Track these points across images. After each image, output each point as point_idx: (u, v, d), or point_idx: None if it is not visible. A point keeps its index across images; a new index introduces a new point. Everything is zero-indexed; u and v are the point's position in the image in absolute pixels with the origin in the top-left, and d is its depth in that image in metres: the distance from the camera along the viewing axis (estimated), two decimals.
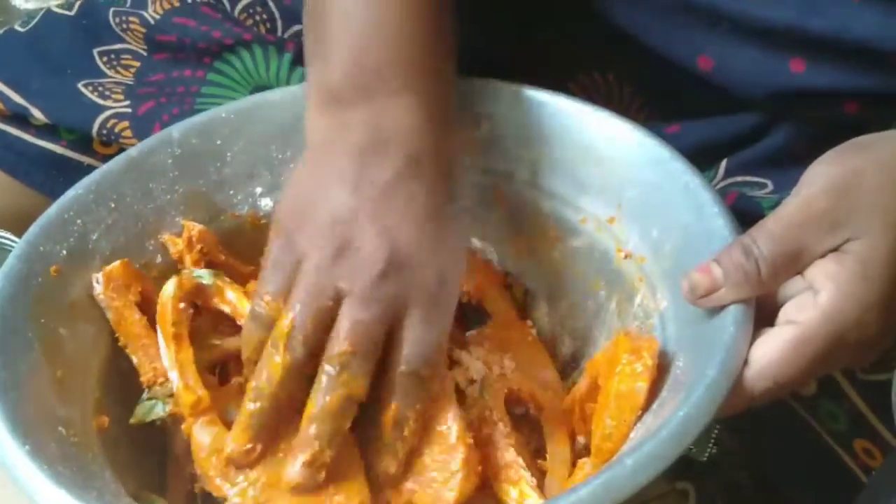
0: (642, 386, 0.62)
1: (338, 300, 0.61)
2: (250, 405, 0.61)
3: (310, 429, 0.60)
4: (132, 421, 0.68)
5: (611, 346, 0.66)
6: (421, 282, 0.62)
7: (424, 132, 0.66)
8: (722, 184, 0.81)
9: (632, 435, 0.63)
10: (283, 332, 0.61)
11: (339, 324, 0.61)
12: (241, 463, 0.62)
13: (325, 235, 0.62)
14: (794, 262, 0.60)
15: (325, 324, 0.61)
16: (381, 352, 0.61)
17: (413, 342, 0.61)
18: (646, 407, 0.62)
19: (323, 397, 0.60)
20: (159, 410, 0.68)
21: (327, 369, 0.60)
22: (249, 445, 0.62)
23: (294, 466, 0.60)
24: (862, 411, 0.72)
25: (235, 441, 0.62)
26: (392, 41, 0.67)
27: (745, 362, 0.59)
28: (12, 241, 0.85)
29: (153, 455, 0.70)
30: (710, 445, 0.72)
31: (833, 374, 0.72)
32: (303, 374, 0.61)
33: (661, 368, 0.63)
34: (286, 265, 0.63)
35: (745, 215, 0.67)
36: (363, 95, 0.66)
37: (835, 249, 0.59)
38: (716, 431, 0.71)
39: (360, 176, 0.63)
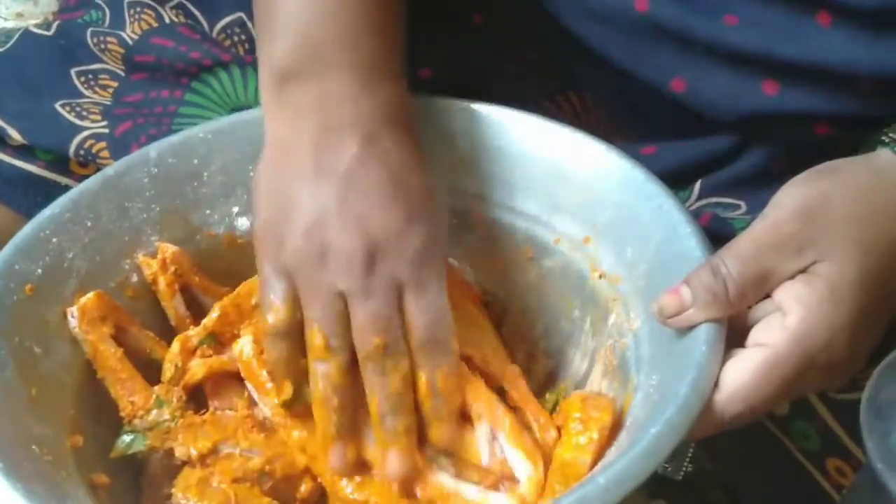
0: (585, 459, 0.64)
1: (343, 298, 0.63)
2: (329, 416, 0.65)
3: (385, 423, 0.64)
4: (112, 455, 0.68)
5: (569, 402, 0.67)
6: (404, 258, 0.63)
7: (375, 107, 0.67)
8: (696, 205, 0.82)
9: (608, 452, 0.64)
10: (320, 344, 0.64)
11: (357, 324, 0.63)
12: (347, 471, 0.66)
13: (304, 244, 0.63)
14: (762, 284, 0.61)
15: (346, 323, 0.64)
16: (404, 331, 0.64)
17: (418, 314, 0.64)
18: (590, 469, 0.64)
19: (382, 391, 0.63)
20: (139, 445, 0.68)
21: (371, 367, 0.63)
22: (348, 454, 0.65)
23: (392, 463, 0.64)
24: (834, 430, 0.72)
25: (334, 458, 0.65)
26: (340, 17, 0.68)
27: (717, 386, 0.59)
28: None
29: (127, 475, 0.70)
30: (686, 464, 0.72)
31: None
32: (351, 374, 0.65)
33: (617, 423, 0.65)
34: (280, 279, 0.65)
35: (718, 236, 0.68)
36: (310, 73, 0.67)
37: (803, 271, 0.60)
38: (691, 451, 0.72)
39: (318, 168, 0.65)
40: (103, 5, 0.96)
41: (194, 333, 0.72)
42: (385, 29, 0.69)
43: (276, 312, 0.65)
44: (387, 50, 0.69)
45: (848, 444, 0.72)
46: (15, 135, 0.89)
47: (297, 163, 0.65)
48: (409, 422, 0.65)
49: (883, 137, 0.66)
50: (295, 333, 0.65)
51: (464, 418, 0.67)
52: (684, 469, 0.73)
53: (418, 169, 0.67)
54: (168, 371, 0.70)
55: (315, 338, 0.64)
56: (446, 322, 0.65)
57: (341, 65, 0.67)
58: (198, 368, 0.70)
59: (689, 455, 0.73)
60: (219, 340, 0.72)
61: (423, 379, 0.64)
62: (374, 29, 0.68)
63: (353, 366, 0.64)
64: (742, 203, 0.81)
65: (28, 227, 0.71)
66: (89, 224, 0.73)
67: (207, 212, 0.78)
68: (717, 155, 0.81)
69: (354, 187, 0.64)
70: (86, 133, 0.89)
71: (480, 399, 0.67)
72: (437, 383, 0.65)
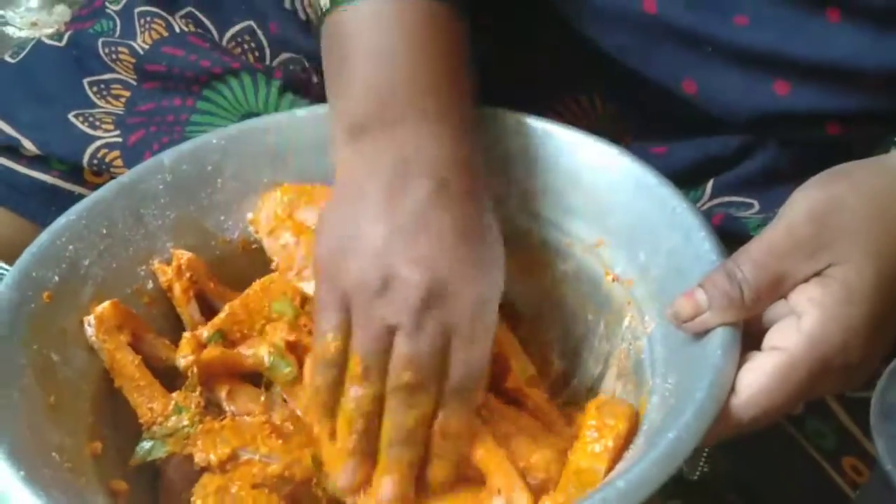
0: (600, 468, 0.64)
1: (392, 332, 0.63)
2: (351, 435, 0.65)
3: (391, 453, 0.64)
4: (132, 462, 0.68)
5: (586, 409, 0.67)
6: (462, 306, 0.63)
7: (448, 157, 0.66)
8: (708, 204, 0.82)
9: (624, 455, 0.63)
10: (358, 372, 0.64)
11: (396, 356, 0.63)
12: (352, 490, 0.66)
13: (366, 273, 0.63)
14: (777, 287, 0.61)
15: (387, 356, 0.64)
16: (440, 374, 0.64)
17: (460, 363, 0.64)
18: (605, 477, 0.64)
19: (398, 423, 0.64)
20: (158, 451, 0.68)
21: (395, 399, 0.64)
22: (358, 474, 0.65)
23: (385, 489, 0.64)
24: (849, 429, 0.72)
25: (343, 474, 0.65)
26: (411, 70, 0.68)
27: (733, 390, 0.59)
28: (4, 268, 0.85)
29: (146, 481, 0.70)
30: (702, 464, 0.72)
31: None
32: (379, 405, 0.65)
33: (633, 430, 0.65)
34: (336, 308, 0.65)
35: (731, 235, 0.68)
36: (385, 124, 0.67)
37: (818, 274, 0.60)
38: (707, 451, 0.72)
39: (391, 207, 0.64)
40: (114, 15, 0.96)
41: (203, 330, 0.72)
42: (456, 75, 0.69)
43: (323, 342, 0.65)
44: (458, 96, 0.69)
45: (863, 443, 0.72)
46: (29, 145, 0.90)
47: (368, 201, 0.65)
48: (414, 455, 0.65)
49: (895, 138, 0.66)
50: (343, 363, 0.65)
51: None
52: (700, 469, 0.73)
53: (486, 220, 0.67)
54: (184, 365, 0.70)
55: (355, 367, 0.64)
56: (480, 375, 0.65)
57: (415, 113, 0.67)
58: (210, 351, 0.71)
59: (705, 455, 0.73)
60: (228, 339, 0.72)
61: (440, 419, 0.64)
62: (446, 76, 0.69)
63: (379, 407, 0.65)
64: (755, 202, 0.80)
65: (44, 236, 0.72)
66: (105, 231, 0.74)
67: (222, 218, 0.78)
68: (728, 154, 0.81)
69: (425, 227, 0.64)
70: (99, 143, 0.89)
71: (499, 472, 0.66)
72: (450, 427, 0.64)
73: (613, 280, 0.73)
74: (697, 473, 0.74)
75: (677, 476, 0.72)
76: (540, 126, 0.76)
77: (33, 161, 0.91)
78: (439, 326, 0.63)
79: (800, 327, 0.59)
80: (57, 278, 0.70)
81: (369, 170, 0.66)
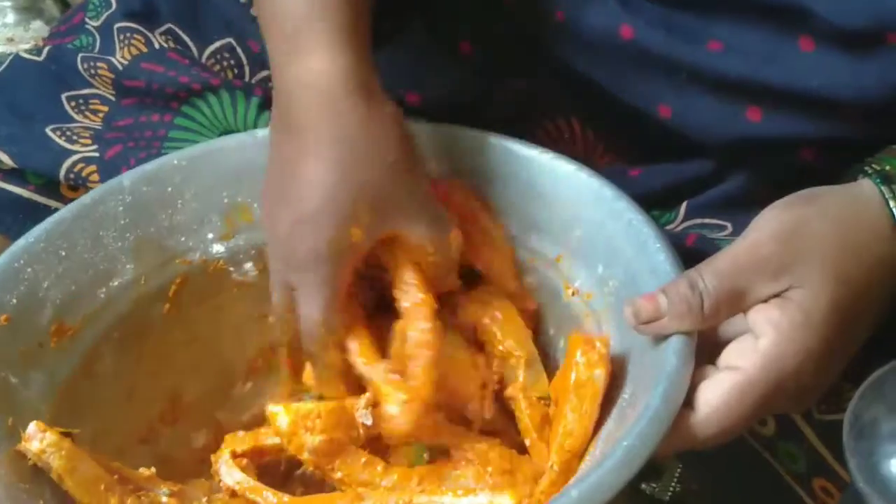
0: (600, 373, 0.63)
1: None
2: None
3: None
4: None
5: (566, 358, 0.67)
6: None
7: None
8: (682, 226, 0.82)
9: (581, 466, 0.63)
10: None
11: None
12: None
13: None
14: (736, 302, 0.61)
15: None
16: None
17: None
18: (604, 398, 0.63)
19: None
20: None
21: None
22: None
23: None
24: (819, 451, 0.72)
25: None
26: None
27: (692, 407, 0.59)
28: None
29: None
30: (673, 485, 0.72)
31: (791, 415, 0.73)
32: None
33: (615, 372, 0.65)
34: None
35: (704, 257, 0.67)
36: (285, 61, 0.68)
37: (777, 295, 0.60)
38: (678, 471, 0.71)
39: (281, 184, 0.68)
40: (93, 31, 0.96)
41: None
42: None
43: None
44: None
45: (833, 465, 0.72)
46: (6, 159, 0.90)
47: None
48: None
49: (865, 167, 0.66)
50: None
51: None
52: (672, 490, 0.73)
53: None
54: None
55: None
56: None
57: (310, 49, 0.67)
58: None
59: (677, 476, 0.73)
60: None
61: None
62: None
63: None
64: (728, 224, 0.81)
65: (3, 258, 0.72)
66: (63, 253, 0.73)
67: (182, 238, 0.78)
68: (703, 177, 0.81)
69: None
70: (76, 157, 0.89)
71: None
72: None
73: (573, 294, 0.73)
74: (669, 494, 0.74)
75: (649, 496, 0.72)
76: (499, 144, 0.76)
77: (10, 175, 0.91)
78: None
79: (757, 348, 0.59)
80: (15, 301, 0.70)
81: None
